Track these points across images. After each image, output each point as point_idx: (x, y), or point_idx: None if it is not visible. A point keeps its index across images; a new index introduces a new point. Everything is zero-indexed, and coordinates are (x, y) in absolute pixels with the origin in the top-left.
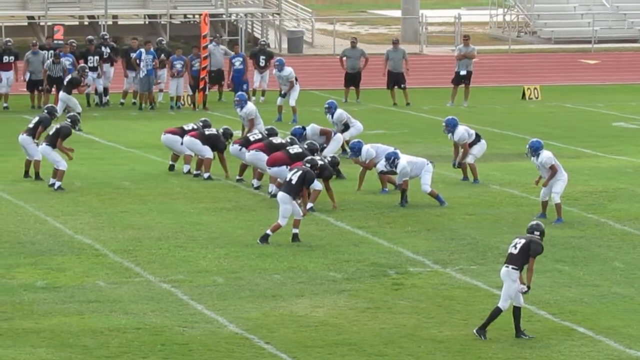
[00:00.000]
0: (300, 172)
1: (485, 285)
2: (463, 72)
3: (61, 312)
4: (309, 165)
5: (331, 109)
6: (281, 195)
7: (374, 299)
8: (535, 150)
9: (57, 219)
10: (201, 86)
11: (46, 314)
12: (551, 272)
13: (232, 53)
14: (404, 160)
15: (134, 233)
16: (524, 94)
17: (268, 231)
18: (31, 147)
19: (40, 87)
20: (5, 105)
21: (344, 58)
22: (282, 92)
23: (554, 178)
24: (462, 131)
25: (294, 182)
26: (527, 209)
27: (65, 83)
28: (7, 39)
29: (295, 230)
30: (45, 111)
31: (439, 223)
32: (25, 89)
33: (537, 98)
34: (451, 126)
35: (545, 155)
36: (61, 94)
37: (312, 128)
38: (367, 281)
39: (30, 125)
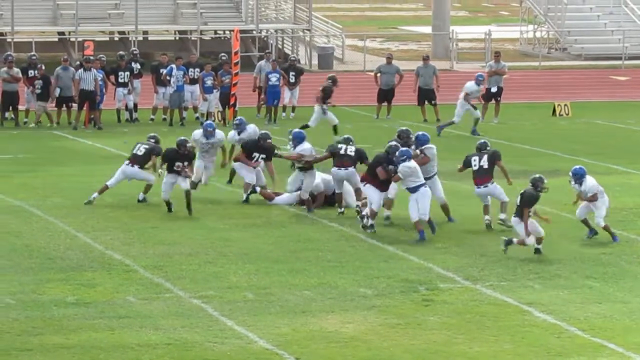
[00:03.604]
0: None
1: (515, 302)
2: (494, 89)
3: (91, 327)
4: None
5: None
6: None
7: (404, 314)
8: (579, 177)
9: (88, 234)
10: (231, 102)
11: (76, 329)
12: (581, 289)
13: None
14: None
15: (164, 249)
16: (554, 111)
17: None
18: (142, 174)
19: (69, 104)
20: (25, 120)
21: (379, 74)
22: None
23: (598, 201)
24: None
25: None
26: (558, 226)
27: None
28: (32, 53)
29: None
30: (152, 140)
31: (469, 239)
32: (53, 105)
33: (567, 114)
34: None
35: (590, 183)
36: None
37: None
38: (397, 297)
39: (139, 153)
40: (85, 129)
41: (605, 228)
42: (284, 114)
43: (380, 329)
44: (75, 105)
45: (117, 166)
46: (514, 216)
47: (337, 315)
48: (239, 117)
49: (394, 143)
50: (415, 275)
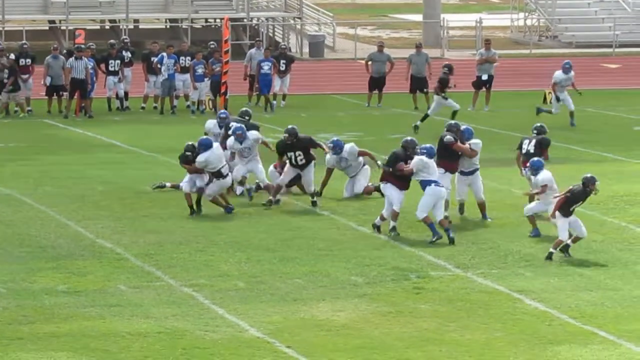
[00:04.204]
0: None
1: (506, 290)
2: (484, 77)
3: (82, 316)
4: None
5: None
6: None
7: (396, 302)
8: (536, 169)
9: (79, 223)
10: (222, 90)
11: (67, 318)
12: (572, 276)
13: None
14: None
15: (155, 237)
16: (545, 98)
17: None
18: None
19: (60, 92)
20: (28, 109)
21: (370, 62)
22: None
23: (544, 200)
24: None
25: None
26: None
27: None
28: (24, 42)
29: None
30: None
31: (460, 227)
32: (44, 94)
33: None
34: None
35: (544, 176)
36: None
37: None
38: (388, 285)
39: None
40: (76, 118)
41: (530, 219)
42: (274, 102)
43: (372, 316)
44: (65, 94)
45: (109, 155)
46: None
47: (328, 303)
48: (223, 111)
49: (409, 138)
50: (406, 263)
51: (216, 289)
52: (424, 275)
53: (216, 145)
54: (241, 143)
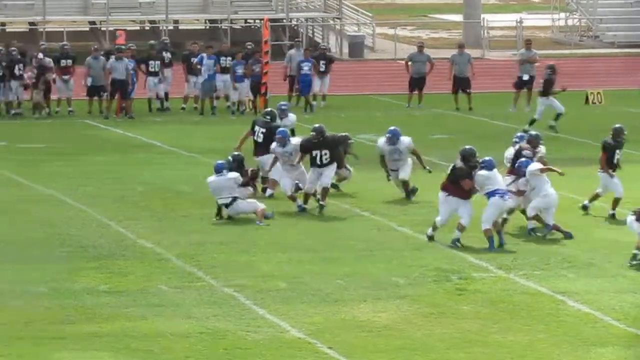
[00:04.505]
0: None
1: (548, 291)
2: (526, 77)
3: (124, 316)
4: None
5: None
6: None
7: (437, 304)
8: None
9: (120, 223)
10: (262, 91)
11: (109, 317)
12: (615, 278)
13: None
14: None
15: (196, 237)
16: (587, 99)
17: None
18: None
19: (101, 93)
20: (70, 109)
21: (410, 62)
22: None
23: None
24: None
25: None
26: (591, 214)
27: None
28: (65, 42)
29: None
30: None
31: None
32: (85, 95)
33: (600, 102)
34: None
35: (531, 167)
36: None
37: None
38: (430, 286)
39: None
40: (116, 118)
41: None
42: (314, 103)
43: (414, 318)
44: (106, 95)
45: (149, 155)
46: (631, 215)
47: (369, 304)
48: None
49: (467, 147)
50: (448, 264)
51: (257, 289)
52: (466, 277)
53: (227, 177)
54: (283, 147)
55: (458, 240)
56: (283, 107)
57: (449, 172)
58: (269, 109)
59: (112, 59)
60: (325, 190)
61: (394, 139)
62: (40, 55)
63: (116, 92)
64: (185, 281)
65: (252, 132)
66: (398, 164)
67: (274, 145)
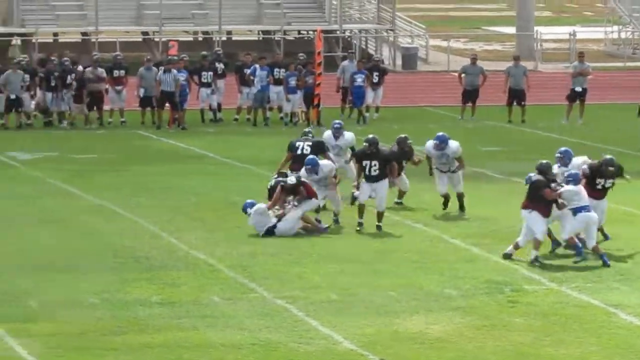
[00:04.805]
0: None
1: (601, 304)
2: (578, 89)
3: (176, 327)
4: None
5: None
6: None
7: (490, 316)
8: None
9: (172, 234)
10: (315, 102)
11: (161, 328)
12: None
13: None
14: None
15: (248, 249)
16: (639, 111)
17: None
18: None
19: (153, 104)
20: (122, 120)
21: (463, 74)
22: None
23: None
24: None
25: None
26: None
27: None
28: (117, 53)
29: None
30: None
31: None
32: (137, 105)
33: None
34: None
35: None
36: None
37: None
38: (482, 298)
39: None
40: (169, 129)
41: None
42: (367, 114)
43: (466, 330)
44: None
45: (201, 166)
46: None
47: (421, 316)
48: (338, 122)
49: (544, 161)
50: (500, 276)
51: (309, 301)
52: (518, 289)
53: (255, 208)
54: (316, 174)
55: (537, 258)
56: (337, 126)
57: (527, 189)
58: (307, 129)
59: (160, 72)
60: (380, 215)
61: (442, 145)
62: (80, 68)
63: (164, 103)
64: (237, 292)
65: (293, 151)
66: (445, 167)
67: (303, 172)
